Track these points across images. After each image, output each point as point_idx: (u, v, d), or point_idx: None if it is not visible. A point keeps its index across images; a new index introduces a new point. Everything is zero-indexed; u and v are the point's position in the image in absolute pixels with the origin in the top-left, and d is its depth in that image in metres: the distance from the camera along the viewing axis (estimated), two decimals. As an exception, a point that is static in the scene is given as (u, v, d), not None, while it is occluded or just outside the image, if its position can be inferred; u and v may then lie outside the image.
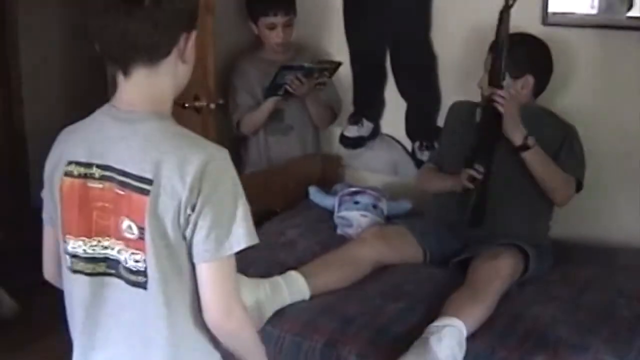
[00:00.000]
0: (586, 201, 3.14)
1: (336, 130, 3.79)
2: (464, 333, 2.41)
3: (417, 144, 3.61)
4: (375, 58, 3.62)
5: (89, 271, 1.69)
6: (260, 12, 3.51)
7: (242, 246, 1.64)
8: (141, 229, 1.62)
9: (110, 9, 1.59)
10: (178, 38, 1.65)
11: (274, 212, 3.34)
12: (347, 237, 3.11)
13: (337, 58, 3.61)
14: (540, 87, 3.10)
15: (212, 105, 3.33)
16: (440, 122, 3.41)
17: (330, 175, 3.68)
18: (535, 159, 2.89)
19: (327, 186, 3.53)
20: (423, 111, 3.57)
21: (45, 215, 1.80)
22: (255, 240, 1.67)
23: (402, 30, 3.55)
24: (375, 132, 3.72)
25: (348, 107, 3.73)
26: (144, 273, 1.64)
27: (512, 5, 2.85)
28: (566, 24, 3.20)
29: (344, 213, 3.17)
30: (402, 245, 2.93)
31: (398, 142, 3.67)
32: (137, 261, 1.64)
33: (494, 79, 2.87)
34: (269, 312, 2.55)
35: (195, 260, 1.64)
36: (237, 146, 3.69)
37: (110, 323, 1.71)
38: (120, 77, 1.67)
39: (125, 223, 1.63)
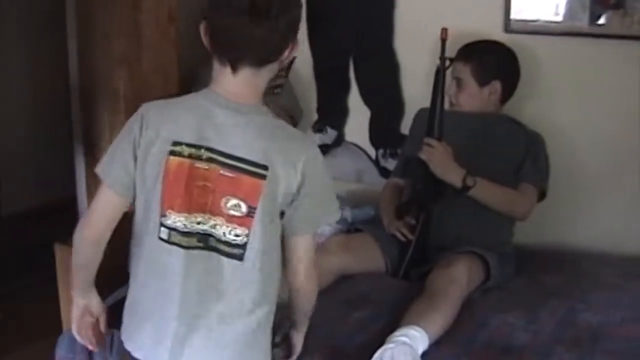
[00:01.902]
0: (551, 208, 3.18)
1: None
2: (426, 341, 2.40)
3: (380, 151, 3.61)
4: (338, 66, 3.63)
5: (184, 244, 1.84)
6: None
7: (333, 220, 1.99)
8: (251, 208, 1.82)
9: (241, 14, 1.75)
10: (288, 46, 1.84)
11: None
12: (311, 245, 3.08)
13: (300, 67, 3.59)
14: (507, 94, 3.12)
15: (175, 114, 3.31)
16: (404, 129, 3.43)
17: (294, 184, 3.65)
18: (482, 194, 2.91)
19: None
20: (387, 119, 3.58)
21: (115, 185, 1.88)
22: (339, 214, 1.99)
23: (365, 38, 3.56)
24: (339, 140, 3.72)
25: (312, 115, 3.72)
26: (242, 247, 1.83)
27: (448, 67, 2.95)
28: (529, 31, 3.22)
29: (307, 222, 3.15)
30: (366, 254, 2.93)
31: (362, 149, 3.67)
32: (237, 235, 1.83)
33: (430, 132, 2.92)
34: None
35: (294, 232, 1.89)
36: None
37: (206, 291, 1.86)
38: (227, 71, 1.83)
39: (232, 201, 1.82)
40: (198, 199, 1.84)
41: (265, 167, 1.81)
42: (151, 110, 1.90)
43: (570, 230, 3.26)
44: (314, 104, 3.69)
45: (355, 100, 3.64)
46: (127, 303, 1.97)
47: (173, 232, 1.85)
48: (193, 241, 1.85)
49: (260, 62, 1.82)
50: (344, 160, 3.71)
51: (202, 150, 1.83)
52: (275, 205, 1.84)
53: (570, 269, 3.03)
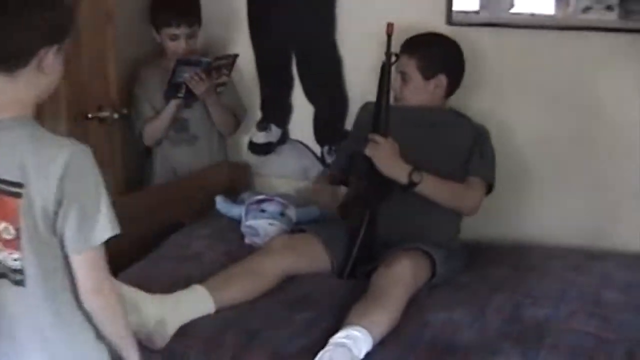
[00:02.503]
0: (499, 202, 3.16)
1: (244, 138, 3.71)
2: (370, 341, 2.35)
3: (325, 148, 3.57)
4: (281, 62, 3.57)
5: None
6: (163, 23, 3.40)
7: (108, 236, 1.77)
8: (17, 230, 1.72)
9: None
10: (36, 51, 1.71)
11: (181, 224, 3.24)
12: (255, 246, 3.02)
13: (243, 64, 3.53)
14: (452, 87, 3.09)
15: (116, 115, 3.24)
16: (349, 125, 3.39)
17: (238, 184, 3.60)
18: (428, 190, 2.87)
19: (236, 195, 3.45)
20: (331, 115, 3.53)
21: None
22: (117, 230, 1.79)
23: (306, 33, 3.51)
24: (284, 138, 3.66)
25: (256, 113, 3.66)
26: (21, 271, 1.75)
27: (394, 63, 2.88)
28: (471, 23, 3.19)
29: (250, 222, 3.09)
30: (310, 254, 2.86)
31: (307, 147, 3.62)
32: (15, 260, 1.75)
33: (376, 128, 2.86)
34: (172, 329, 2.46)
35: (68, 251, 1.76)
36: (143, 158, 3.59)
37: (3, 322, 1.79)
38: None
39: (2, 225, 1.73)
40: None
41: (19, 185, 1.71)
42: None
43: (518, 224, 3.25)
44: (257, 102, 3.62)
45: (299, 97, 3.59)
46: None
47: None
48: None
49: (6, 65, 1.70)
50: (290, 158, 3.66)
51: None
52: (36, 223, 1.72)
53: (518, 262, 3.00)
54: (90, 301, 1.82)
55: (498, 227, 3.29)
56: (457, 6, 3.20)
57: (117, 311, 1.89)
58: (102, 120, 3.23)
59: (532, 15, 3.09)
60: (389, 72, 2.88)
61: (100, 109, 3.22)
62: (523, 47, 3.16)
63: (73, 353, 1.85)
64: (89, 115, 3.23)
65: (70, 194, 1.70)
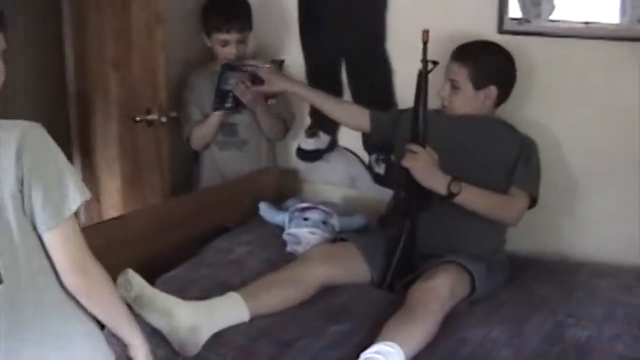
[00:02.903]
0: (548, 216, 3.10)
1: (293, 144, 3.69)
2: (402, 357, 2.31)
3: (374, 157, 3.52)
4: (331, 70, 3.54)
5: None
6: (214, 28, 3.41)
7: (78, 204, 1.75)
8: None
9: None
10: None
11: (226, 229, 3.24)
12: (297, 255, 2.99)
13: (293, 71, 3.52)
14: (501, 98, 3.03)
15: (164, 119, 3.27)
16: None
17: (287, 190, 3.59)
18: (468, 201, 2.81)
19: (283, 201, 3.44)
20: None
21: None
22: (87, 195, 1.77)
23: (357, 41, 3.48)
24: (333, 145, 3.63)
25: (305, 120, 3.65)
26: None
27: (431, 71, 2.83)
28: (523, 32, 3.11)
29: (293, 230, 3.07)
30: (349, 264, 2.83)
31: (355, 155, 3.58)
32: None
33: (414, 138, 2.81)
34: (205, 336, 2.45)
35: (41, 231, 1.73)
36: (192, 161, 3.61)
37: None
38: None
39: None
40: None
41: None
42: None
43: (567, 239, 3.15)
44: (307, 109, 3.60)
45: (348, 105, 3.54)
46: None
47: None
48: None
49: None
50: (338, 165, 3.64)
51: None
52: (6, 207, 1.69)
53: (564, 279, 2.91)
54: (72, 283, 1.78)
55: (548, 242, 3.21)
56: (509, 14, 3.12)
57: (108, 293, 1.86)
58: (150, 123, 3.26)
59: (586, 24, 2.99)
60: (427, 80, 2.83)
61: (148, 112, 3.25)
62: (575, 58, 3.07)
63: (62, 340, 1.80)
64: (138, 119, 3.26)
65: (30, 171, 1.69)
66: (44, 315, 1.76)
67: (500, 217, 2.90)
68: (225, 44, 3.40)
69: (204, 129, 3.44)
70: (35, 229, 1.73)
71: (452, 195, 2.77)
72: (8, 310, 1.72)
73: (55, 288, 1.78)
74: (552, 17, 3.07)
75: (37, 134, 1.74)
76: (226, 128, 3.48)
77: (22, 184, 1.69)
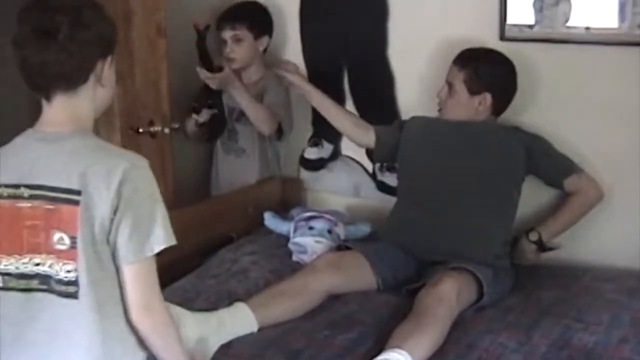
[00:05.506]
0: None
1: (296, 153, 3.69)
2: (410, 365, 2.32)
3: (377, 165, 3.52)
4: (332, 77, 3.54)
5: (22, 287, 1.79)
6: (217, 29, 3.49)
7: (162, 247, 1.79)
8: (73, 239, 1.74)
9: (28, 41, 1.74)
10: (94, 65, 1.80)
11: (231, 239, 3.24)
12: (302, 263, 3.01)
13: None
14: (498, 106, 3.05)
15: (167, 130, 3.26)
16: (400, 142, 3.34)
17: (290, 199, 3.60)
18: (556, 233, 3.04)
19: (288, 209, 3.44)
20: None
21: None
22: (173, 241, 1.81)
23: (358, 48, 3.48)
24: (336, 154, 3.63)
25: (307, 129, 3.65)
26: (75, 282, 1.75)
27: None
28: (525, 39, 3.12)
29: (298, 239, 3.08)
30: (355, 272, 2.84)
31: (359, 163, 3.59)
32: (68, 271, 1.75)
33: None
34: (214, 347, 2.46)
35: (119, 262, 1.77)
36: (203, 169, 3.66)
37: (41, 339, 1.79)
38: (43, 102, 1.81)
39: (57, 235, 1.75)
40: (30, 239, 1.77)
41: (78, 192, 1.74)
42: None
43: (571, 244, 3.14)
44: (309, 117, 3.60)
45: (350, 113, 3.55)
46: None
47: (7, 277, 1.80)
48: (33, 283, 1.78)
49: (67, 86, 1.78)
50: (341, 174, 3.64)
51: (22, 189, 1.77)
52: (93, 231, 1.75)
53: (569, 284, 2.92)
54: (140, 321, 1.82)
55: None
56: (510, 20, 3.13)
57: (170, 334, 1.89)
58: (153, 134, 3.25)
59: (587, 29, 3.00)
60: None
61: (151, 123, 3.24)
62: (578, 63, 3.07)
63: None
64: (140, 130, 3.26)
65: (126, 201, 1.74)
66: (110, 343, 1.81)
67: (589, 209, 3.04)
68: (225, 44, 3.46)
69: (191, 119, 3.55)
70: (113, 258, 1.78)
71: (541, 246, 2.98)
72: (74, 327, 1.78)
73: (119, 319, 1.82)
74: (569, 23, 3.07)
75: (142, 168, 1.80)
76: (227, 132, 3.54)
77: (115, 213, 1.74)
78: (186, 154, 3.59)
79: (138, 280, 1.80)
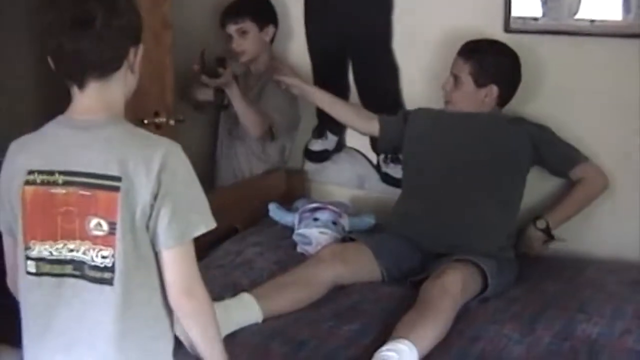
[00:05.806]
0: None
1: (301, 145, 3.70)
2: (416, 355, 2.33)
3: (381, 156, 3.53)
4: (337, 70, 3.55)
5: (56, 272, 1.79)
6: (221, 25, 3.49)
7: (202, 231, 1.79)
8: (112, 224, 1.74)
9: (63, 30, 1.74)
10: (127, 53, 1.82)
11: (235, 230, 3.25)
12: (307, 255, 3.02)
13: (299, 71, 3.54)
14: (504, 98, 3.06)
15: (172, 122, 3.26)
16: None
17: (295, 190, 3.60)
18: (562, 221, 3.04)
19: (292, 201, 3.45)
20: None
21: (6, 229, 1.88)
22: (213, 224, 1.81)
23: (363, 41, 3.49)
24: (340, 146, 3.64)
25: (312, 120, 3.65)
26: (111, 269, 1.75)
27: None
28: (529, 30, 3.13)
29: (302, 230, 3.09)
30: (360, 263, 2.85)
31: (363, 155, 3.59)
32: (104, 257, 1.75)
33: None
34: (219, 337, 2.47)
35: (159, 247, 1.77)
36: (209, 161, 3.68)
37: (70, 326, 1.79)
38: (75, 90, 1.81)
39: (93, 221, 1.76)
40: (64, 225, 1.78)
41: (118, 179, 1.74)
42: (12, 146, 1.87)
43: (574, 236, 3.15)
44: (313, 109, 3.60)
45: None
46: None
47: (40, 263, 1.80)
48: (67, 269, 1.78)
49: (102, 74, 1.79)
50: (345, 166, 3.65)
51: (56, 175, 1.78)
52: (134, 217, 1.75)
53: (573, 276, 2.93)
54: (180, 304, 1.83)
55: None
56: (515, 12, 3.13)
57: (209, 317, 1.90)
58: (158, 126, 3.26)
59: (592, 22, 3.01)
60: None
61: (156, 114, 3.25)
62: (582, 55, 3.08)
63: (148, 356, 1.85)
64: (145, 121, 3.27)
65: (165, 187, 1.74)
66: (138, 330, 1.81)
67: (595, 197, 3.06)
68: (230, 39, 3.48)
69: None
70: (151, 244, 1.78)
71: (549, 235, 2.98)
72: (105, 313, 1.78)
73: (152, 305, 1.82)
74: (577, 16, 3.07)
75: (179, 153, 1.80)
76: (234, 125, 3.54)
77: (155, 199, 1.74)
78: (190, 145, 3.56)
79: (178, 264, 1.80)
